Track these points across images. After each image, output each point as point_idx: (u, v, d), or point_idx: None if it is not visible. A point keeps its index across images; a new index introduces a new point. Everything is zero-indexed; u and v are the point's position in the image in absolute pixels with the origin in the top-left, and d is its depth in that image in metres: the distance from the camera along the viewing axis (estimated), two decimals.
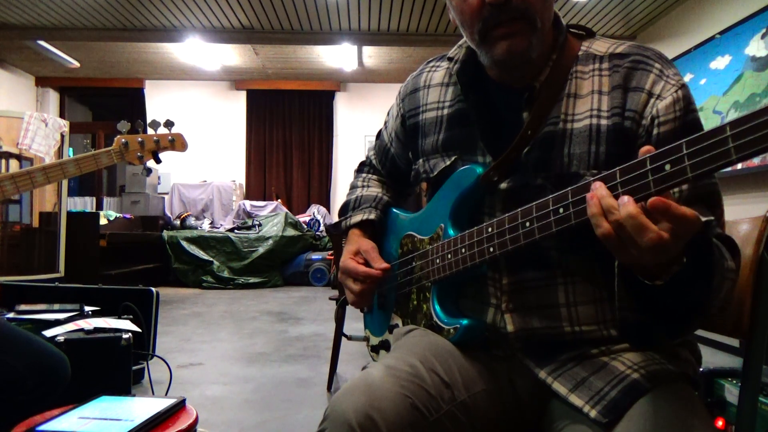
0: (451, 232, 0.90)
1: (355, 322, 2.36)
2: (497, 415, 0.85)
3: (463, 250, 0.86)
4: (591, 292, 0.83)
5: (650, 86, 0.80)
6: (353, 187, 1.20)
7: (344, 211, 1.14)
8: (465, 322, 0.87)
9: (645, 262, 0.62)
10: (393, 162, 1.13)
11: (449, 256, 0.89)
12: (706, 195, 0.78)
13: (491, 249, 0.81)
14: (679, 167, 0.57)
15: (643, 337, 0.79)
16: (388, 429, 0.71)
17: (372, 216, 1.07)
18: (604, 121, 0.81)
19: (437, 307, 0.92)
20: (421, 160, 1.00)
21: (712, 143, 0.55)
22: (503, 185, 0.86)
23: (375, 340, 1.11)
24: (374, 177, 1.19)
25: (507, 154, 0.85)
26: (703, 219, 0.60)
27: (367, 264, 1.00)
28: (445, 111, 0.97)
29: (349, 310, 2.52)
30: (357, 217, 1.08)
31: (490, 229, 0.81)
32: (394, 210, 1.09)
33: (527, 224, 0.75)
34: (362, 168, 1.23)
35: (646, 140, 0.79)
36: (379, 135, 1.16)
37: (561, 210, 0.70)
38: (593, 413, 0.74)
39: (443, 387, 0.80)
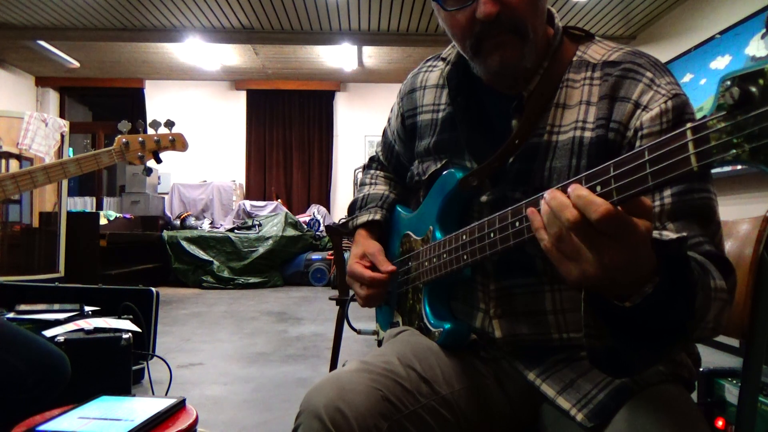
0: (438, 235, 0.91)
1: (356, 321, 2.35)
2: (487, 415, 0.85)
3: (445, 255, 0.87)
4: (578, 299, 0.81)
5: (637, 96, 0.76)
6: (362, 184, 1.20)
7: (352, 209, 1.15)
8: (448, 326, 0.88)
9: (591, 281, 0.58)
10: (398, 159, 1.13)
11: (434, 259, 0.89)
12: (696, 209, 0.73)
13: (465, 257, 0.81)
14: (607, 190, 0.56)
15: (614, 365, 0.68)
16: (356, 420, 0.72)
17: (377, 216, 1.07)
18: (588, 134, 0.79)
19: (427, 309, 0.92)
20: (416, 162, 1.01)
21: (634, 167, 0.54)
22: (484, 198, 0.86)
23: (383, 334, 1.12)
24: (381, 174, 1.19)
25: (490, 162, 0.84)
26: (673, 236, 0.58)
27: (373, 267, 1.00)
28: (440, 114, 0.97)
29: (352, 308, 2.52)
30: (363, 218, 1.09)
31: (464, 237, 0.82)
32: (398, 208, 1.10)
33: (491, 235, 0.75)
34: (371, 164, 1.23)
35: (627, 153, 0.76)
36: (384, 132, 1.17)
37: (517, 224, 0.69)
38: (579, 416, 0.73)
39: (421, 382, 0.81)
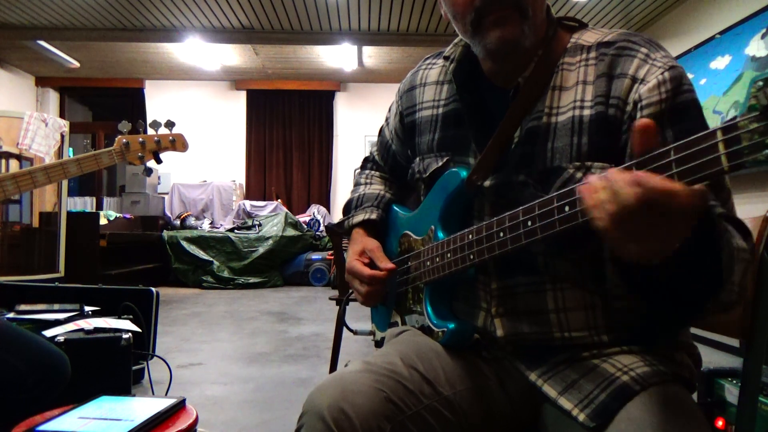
0: (440, 234, 0.90)
1: (355, 321, 2.36)
2: (488, 416, 0.85)
3: (449, 255, 0.86)
4: (580, 298, 0.82)
5: (634, 71, 0.77)
6: (357, 184, 1.20)
7: (347, 209, 1.14)
8: (451, 326, 0.88)
9: (652, 254, 0.56)
10: (394, 159, 1.13)
11: (437, 259, 0.89)
12: None
13: (471, 256, 0.81)
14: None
15: (641, 335, 0.71)
16: (360, 421, 0.72)
17: (373, 216, 1.07)
18: (587, 111, 0.80)
19: (429, 309, 0.92)
20: (417, 159, 1.01)
21: (659, 166, 0.53)
22: (487, 183, 0.86)
23: (380, 335, 1.12)
24: (377, 173, 1.19)
25: (485, 154, 0.84)
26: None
27: (372, 263, 1.00)
28: (440, 110, 0.97)
29: (351, 308, 2.52)
30: (359, 217, 1.08)
31: (470, 236, 0.81)
32: (395, 207, 1.10)
33: (501, 234, 0.74)
34: (366, 164, 1.23)
35: (629, 127, 0.76)
36: (381, 131, 1.16)
37: (529, 223, 0.69)
38: (582, 417, 0.73)
39: (423, 383, 0.81)
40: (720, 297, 0.67)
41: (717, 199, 0.73)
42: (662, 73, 0.75)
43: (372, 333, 1.18)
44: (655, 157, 0.54)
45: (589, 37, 0.85)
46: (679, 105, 0.74)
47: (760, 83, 0.47)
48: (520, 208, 0.71)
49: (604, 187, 0.55)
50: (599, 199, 0.55)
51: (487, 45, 0.82)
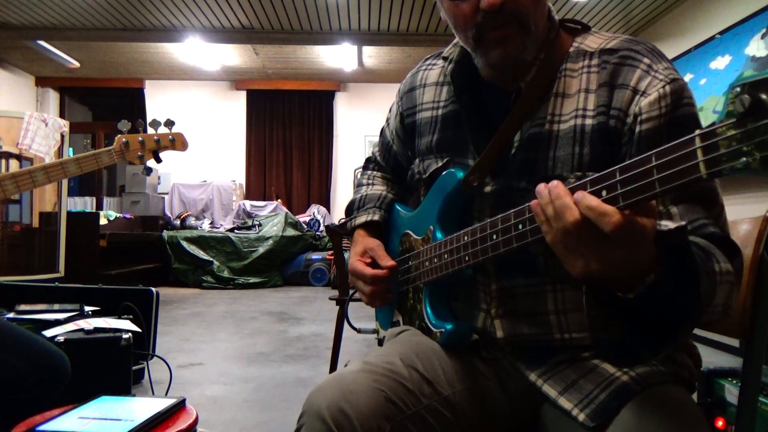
0: (438, 235, 0.91)
1: (356, 320, 2.35)
2: (488, 416, 0.85)
3: (446, 256, 0.86)
4: (580, 299, 0.81)
5: (636, 83, 0.77)
6: (359, 185, 1.20)
7: (350, 210, 1.14)
8: (449, 326, 0.88)
9: (594, 274, 0.58)
10: (396, 159, 1.13)
11: (435, 260, 0.89)
12: (699, 192, 0.74)
13: (467, 258, 0.81)
14: (613, 195, 0.56)
15: (620, 356, 0.71)
16: (359, 421, 0.72)
17: (376, 217, 1.07)
18: (588, 121, 0.79)
19: (428, 309, 0.92)
20: (417, 160, 1.01)
21: (641, 172, 0.53)
22: (488, 188, 0.86)
23: (383, 333, 1.12)
24: (378, 174, 1.19)
25: (484, 156, 0.84)
26: (672, 226, 0.58)
27: (374, 262, 1.00)
28: (440, 111, 0.96)
29: (352, 308, 2.52)
30: (361, 218, 1.08)
31: (465, 238, 0.81)
32: (397, 206, 1.10)
33: (494, 237, 0.74)
34: (368, 165, 1.23)
35: (629, 139, 0.76)
36: (382, 132, 1.16)
37: (520, 226, 0.69)
38: (581, 417, 0.73)
39: (423, 383, 0.81)
40: (701, 319, 0.66)
41: (709, 216, 0.73)
42: (663, 87, 0.75)
43: (376, 331, 1.18)
44: (638, 162, 0.54)
45: (591, 42, 0.85)
46: (678, 118, 0.74)
47: (738, 89, 0.46)
48: (512, 210, 0.71)
49: (548, 203, 0.60)
50: (547, 215, 0.60)
51: (489, 60, 0.82)
